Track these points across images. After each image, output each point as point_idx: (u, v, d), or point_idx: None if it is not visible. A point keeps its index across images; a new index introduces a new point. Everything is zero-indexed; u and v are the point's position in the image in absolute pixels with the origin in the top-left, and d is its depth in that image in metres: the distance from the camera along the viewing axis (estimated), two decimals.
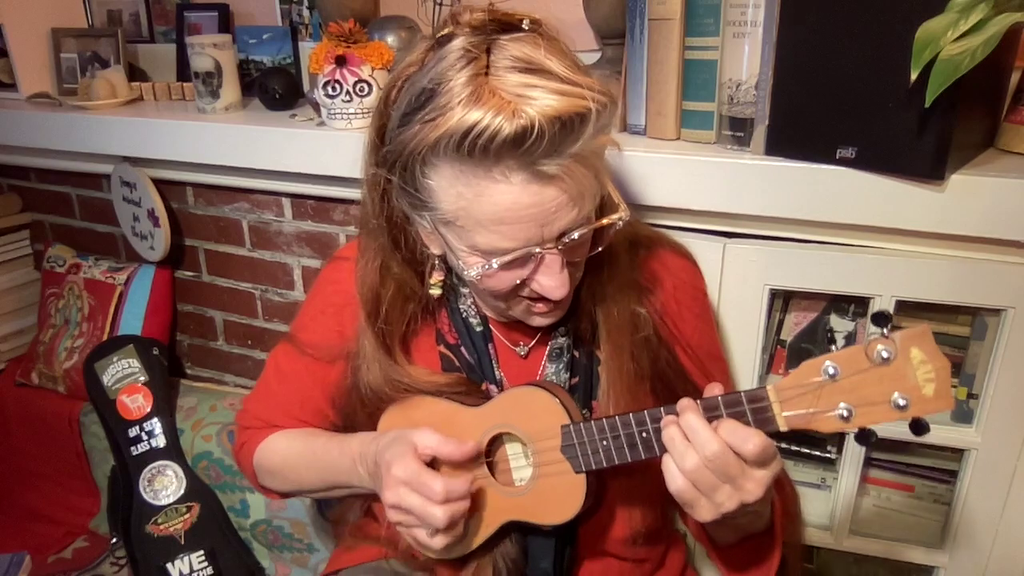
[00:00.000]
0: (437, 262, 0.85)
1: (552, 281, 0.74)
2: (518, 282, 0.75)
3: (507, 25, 0.70)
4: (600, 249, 0.79)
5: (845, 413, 0.64)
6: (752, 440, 0.65)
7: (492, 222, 0.69)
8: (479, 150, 0.64)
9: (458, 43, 0.67)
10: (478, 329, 0.90)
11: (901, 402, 0.62)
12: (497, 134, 0.63)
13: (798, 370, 0.66)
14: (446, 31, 0.70)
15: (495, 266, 0.72)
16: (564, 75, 0.66)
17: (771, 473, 0.68)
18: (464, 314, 0.90)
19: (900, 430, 0.67)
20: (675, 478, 0.68)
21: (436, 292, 0.86)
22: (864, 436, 0.66)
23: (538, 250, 0.72)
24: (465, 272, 0.75)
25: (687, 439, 0.68)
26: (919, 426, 0.64)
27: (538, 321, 0.83)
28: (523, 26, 0.70)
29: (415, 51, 0.73)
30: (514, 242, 0.71)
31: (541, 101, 0.63)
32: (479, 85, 0.64)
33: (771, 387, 0.67)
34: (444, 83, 0.65)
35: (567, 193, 0.69)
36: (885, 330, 0.62)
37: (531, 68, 0.66)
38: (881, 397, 0.63)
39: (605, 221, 0.75)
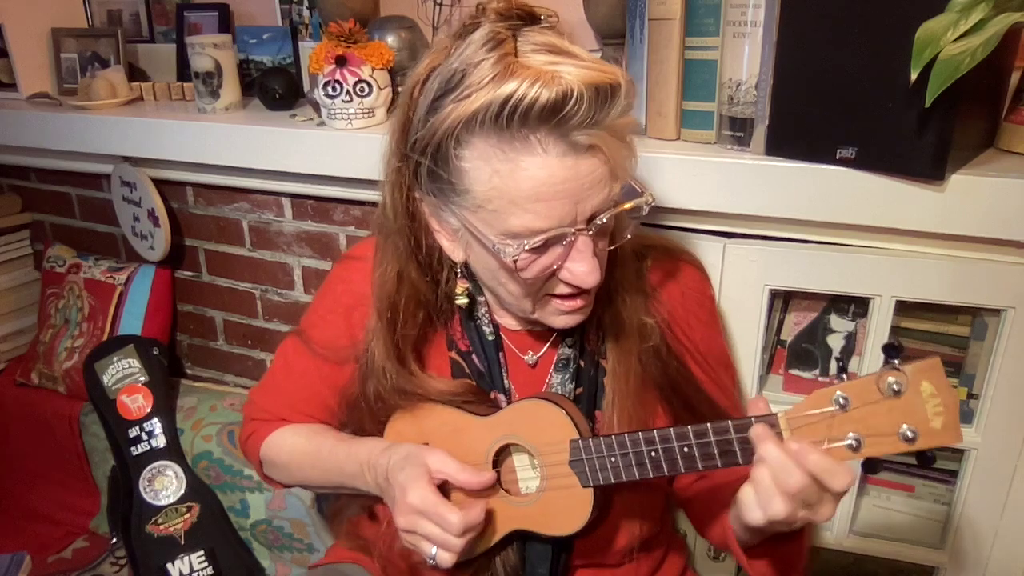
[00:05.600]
0: (460, 270, 0.85)
1: (584, 266, 0.73)
2: (553, 268, 0.74)
3: (530, 16, 0.72)
4: (628, 237, 0.79)
5: (854, 443, 0.65)
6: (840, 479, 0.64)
7: (527, 199, 0.69)
8: (518, 119, 0.65)
9: (484, 29, 0.68)
10: (490, 338, 0.89)
11: (909, 435, 0.63)
12: (536, 100, 0.64)
13: (808, 398, 0.66)
14: (470, 21, 0.71)
15: (526, 247, 0.71)
16: (588, 58, 0.68)
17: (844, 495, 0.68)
18: (478, 322, 0.90)
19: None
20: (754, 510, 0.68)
21: (463, 301, 0.86)
22: (871, 465, 0.67)
23: (571, 231, 0.71)
24: (503, 255, 0.73)
25: (773, 476, 0.66)
26: (925, 458, 0.65)
27: (564, 321, 0.82)
28: (542, 20, 0.72)
29: (437, 46, 0.74)
30: (548, 221, 0.70)
31: (574, 72, 0.65)
32: (509, 63, 0.66)
33: (781, 414, 0.67)
34: (474, 64, 0.67)
35: (605, 166, 0.70)
36: (896, 361, 0.62)
37: (556, 51, 0.68)
38: (890, 429, 0.63)
39: (629, 205, 0.75)
